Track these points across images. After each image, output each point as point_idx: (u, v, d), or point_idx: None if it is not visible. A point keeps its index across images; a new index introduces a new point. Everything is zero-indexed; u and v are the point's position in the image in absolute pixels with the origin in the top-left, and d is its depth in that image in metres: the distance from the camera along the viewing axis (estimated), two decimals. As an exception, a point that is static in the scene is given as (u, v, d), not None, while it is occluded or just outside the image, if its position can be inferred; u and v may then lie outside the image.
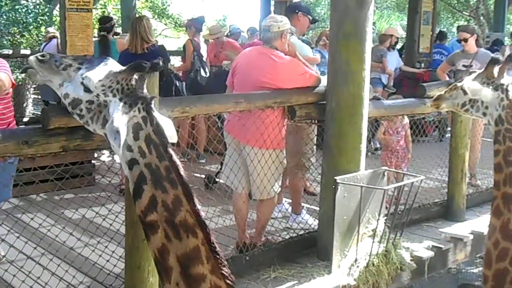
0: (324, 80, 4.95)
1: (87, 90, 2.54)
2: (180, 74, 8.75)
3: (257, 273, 4.59)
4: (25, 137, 3.10)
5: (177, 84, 7.63)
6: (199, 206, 2.48)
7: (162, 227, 2.45)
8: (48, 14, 18.31)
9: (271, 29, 4.94)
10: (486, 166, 7.45)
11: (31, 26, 17.40)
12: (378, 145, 8.79)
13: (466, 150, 6.01)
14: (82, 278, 4.39)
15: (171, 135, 2.65)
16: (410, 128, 6.91)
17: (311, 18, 6.32)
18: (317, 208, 5.32)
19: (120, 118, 2.42)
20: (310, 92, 4.92)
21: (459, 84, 3.94)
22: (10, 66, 4.92)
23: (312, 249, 4.96)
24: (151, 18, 19.15)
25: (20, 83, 10.58)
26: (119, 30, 11.93)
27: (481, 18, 23.98)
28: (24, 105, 10.89)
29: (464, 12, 27.20)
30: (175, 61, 13.57)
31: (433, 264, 5.27)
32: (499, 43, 12.93)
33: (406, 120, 6.58)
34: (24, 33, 17.23)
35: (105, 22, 8.70)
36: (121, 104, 2.48)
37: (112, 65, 2.59)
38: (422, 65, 12.17)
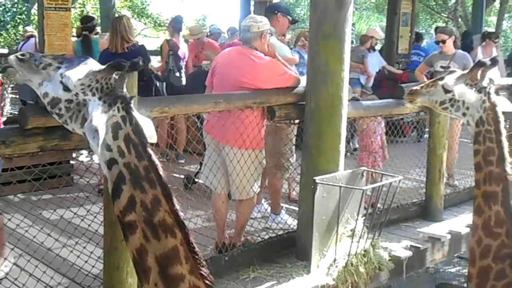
0: (303, 81, 4.97)
1: (66, 89, 2.53)
2: (160, 74, 8.71)
3: (236, 273, 4.58)
4: (2, 137, 3.07)
5: (157, 84, 7.59)
6: (178, 206, 2.49)
7: (140, 227, 2.44)
8: (26, 13, 18.19)
9: (251, 29, 4.95)
10: (464, 167, 7.53)
11: (9, 25, 17.27)
12: (357, 145, 8.83)
13: (444, 151, 6.07)
14: (60, 279, 4.36)
15: (151, 135, 2.65)
16: (389, 128, 6.96)
17: (290, 18, 6.33)
18: (296, 208, 5.33)
19: (99, 117, 2.41)
20: (289, 92, 4.93)
21: (440, 82, 3.98)
22: (-14, 65, 4.86)
23: (291, 249, 4.97)
24: (130, 18, 19.06)
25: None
26: (98, 29, 11.86)
27: (459, 19, 24.17)
28: (2, 104, 10.77)
29: (442, 14, 27.42)
30: (154, 61, 13.51)
31: (411, 263, 5.30)
32: (469, 36, 12.99)
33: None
34: (1, 32, 17.10)
35: (87, 21, 8.64)
36: (101, 103, 2.47)
37: (92, 65, 2.58)
38: (400, 66, 12.25)
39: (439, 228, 5.86)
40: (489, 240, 3.71)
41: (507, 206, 3.68)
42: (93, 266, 4.21)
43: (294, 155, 5.84)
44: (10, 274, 4.23)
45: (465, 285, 8.88)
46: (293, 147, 5.78)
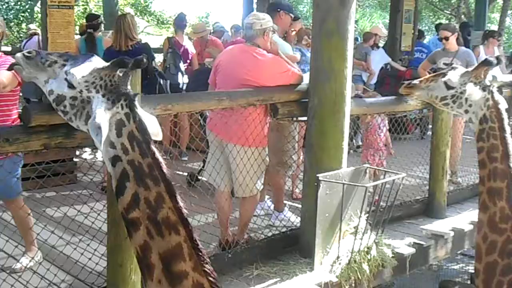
0: (306, 78, 4.96)
1: (70, 86, 2.54)
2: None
3: (239, 270, 4.59)
4: (6, 134, 3.08)
5: (161, 82, 7.58)
6: (181, 204, 2.49)
7: (144, 224, 2.45)
8: (29, 10, 18.21)
9: (254, 27, 4.95)
10: (467, 164, 7.53)
11: (12, 23, 17.28)
12: (360, 143, 8.83)
13: (447, 148, 6.06)
14: (64, 277, 4.36)
15: (155, 133, 2.66)
16: (392, 125, 6.96)
17: (293, 16, 6.33)
18: (299, 206, 5.33)
19: (103, 114, 2.42)
20: (292, 90, 4.93)
21: (442, 78, 3.98)
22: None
23: (295, 247, 4.97)
24: (134, 15, 19.06)
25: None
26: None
27: (462, 16, 24.14)
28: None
29: (445, 11, 27.42)
30: (158, 59, 13.52)
31: (414, 260, 5.30)
32: (466, 28, 12.96)
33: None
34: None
35: (92, 19, 8.66)
36: (104, 100, 2.48)
37: (97, 62, 2.59)
38: (403, 63, 12.23)
39: (442, 225, 5.85)
40: (495, 236, 3.73)
41: None
42: (96, 264, 4.21)
43: (297, 153, 5.84)
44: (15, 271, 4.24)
45: (468, 282, 8.89)
46: (296, 144, 5.77)
